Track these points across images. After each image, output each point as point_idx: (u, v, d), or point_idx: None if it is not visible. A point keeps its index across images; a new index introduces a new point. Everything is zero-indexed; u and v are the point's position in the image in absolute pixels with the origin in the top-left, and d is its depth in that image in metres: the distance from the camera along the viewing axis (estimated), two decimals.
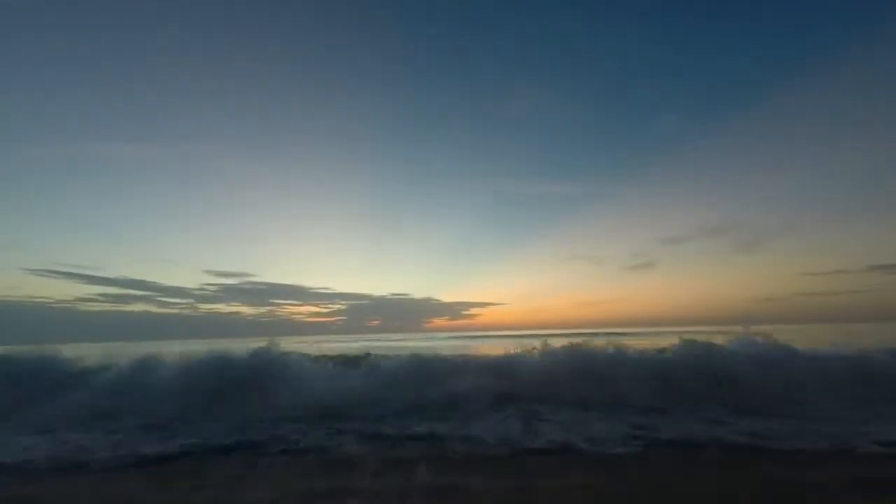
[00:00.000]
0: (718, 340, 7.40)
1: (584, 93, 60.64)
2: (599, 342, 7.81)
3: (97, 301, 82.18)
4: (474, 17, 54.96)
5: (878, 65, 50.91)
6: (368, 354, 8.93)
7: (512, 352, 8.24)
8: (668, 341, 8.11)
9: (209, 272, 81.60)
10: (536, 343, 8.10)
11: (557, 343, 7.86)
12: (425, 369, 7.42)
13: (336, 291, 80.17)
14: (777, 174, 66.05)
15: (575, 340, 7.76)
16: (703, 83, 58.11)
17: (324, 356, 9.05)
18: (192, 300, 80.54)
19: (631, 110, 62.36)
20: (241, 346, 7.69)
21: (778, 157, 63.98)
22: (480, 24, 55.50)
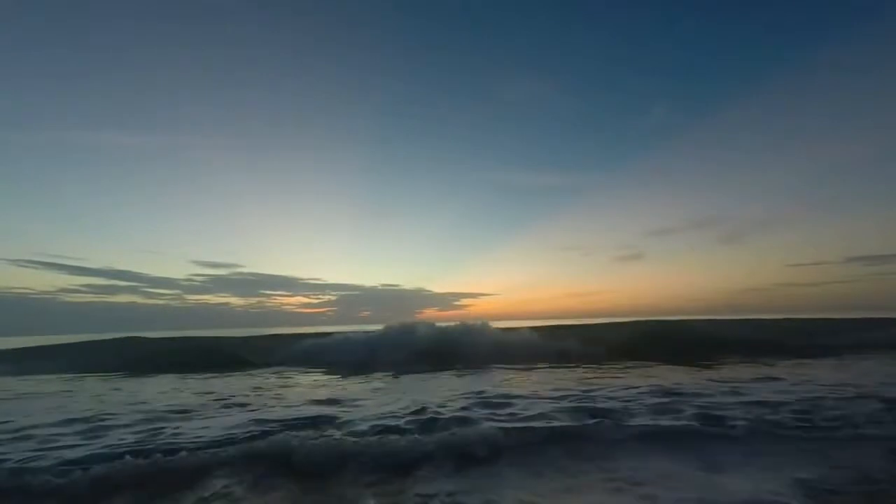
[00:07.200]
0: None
1: (574, 85, 60.42)
2: None
3: (81, 292, 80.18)
4: (465, 7, 54.22)
5: (859, 62, 51.82)
6: None
7: None
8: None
9: (197, 262, 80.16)
10: None
11: None
12: None
13: (327, 282, 79.39)
14: (761, 168, 67.33)
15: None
16: (692, 77, 58.39)
17: None
18: (179, 291, 79.06)
19: (621, 102, 62.38)
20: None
21: (762, 151, 65.05)
22: (470, 14, 54.79)
